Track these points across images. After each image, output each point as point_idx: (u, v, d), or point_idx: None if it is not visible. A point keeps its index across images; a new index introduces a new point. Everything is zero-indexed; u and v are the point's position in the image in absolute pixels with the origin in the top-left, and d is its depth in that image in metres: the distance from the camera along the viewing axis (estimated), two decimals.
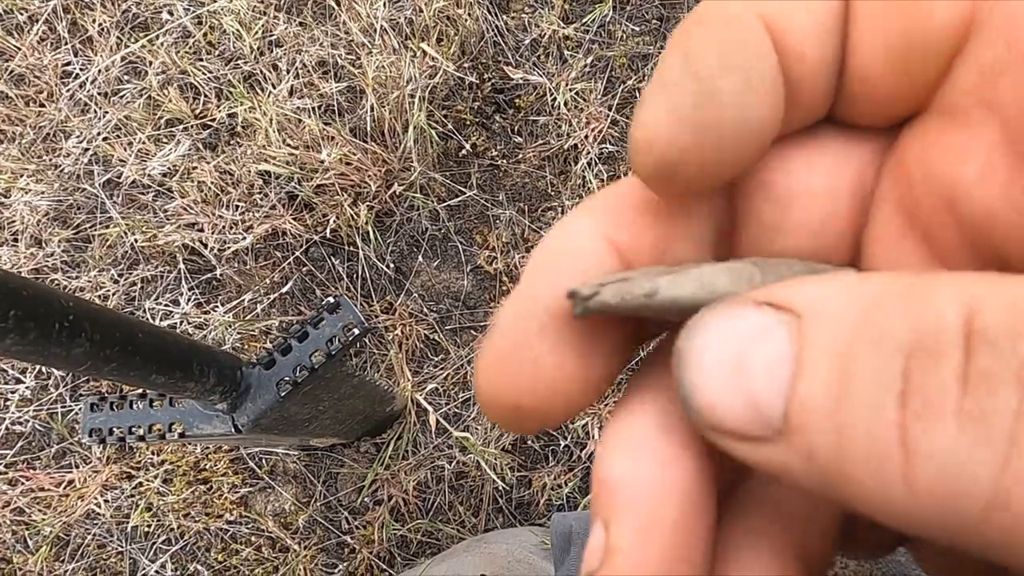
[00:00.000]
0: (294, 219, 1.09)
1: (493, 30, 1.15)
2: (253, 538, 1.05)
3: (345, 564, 1.03)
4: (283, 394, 0.68)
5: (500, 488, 1.01)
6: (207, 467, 1.07)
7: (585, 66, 1.13)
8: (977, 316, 0.08)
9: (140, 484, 1.07)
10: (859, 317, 0.09)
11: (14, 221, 1.15)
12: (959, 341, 0.08)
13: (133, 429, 0.70)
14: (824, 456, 0.09)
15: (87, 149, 1.16)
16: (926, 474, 0.08)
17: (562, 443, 1.02)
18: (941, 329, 0.08)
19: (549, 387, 0.12)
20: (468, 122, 1.14)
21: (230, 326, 1.08)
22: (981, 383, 0.08)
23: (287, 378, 0.68)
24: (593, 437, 0.99)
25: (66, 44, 1.22)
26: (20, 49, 1.21)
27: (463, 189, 1.12)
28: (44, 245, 1.15)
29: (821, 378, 0.09)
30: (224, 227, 1.10)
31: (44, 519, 1.06)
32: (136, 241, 1.12)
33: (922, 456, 0.08)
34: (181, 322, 1.09)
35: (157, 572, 1.05)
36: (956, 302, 0.09)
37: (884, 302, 0.09)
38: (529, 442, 1.03)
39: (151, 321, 1.09)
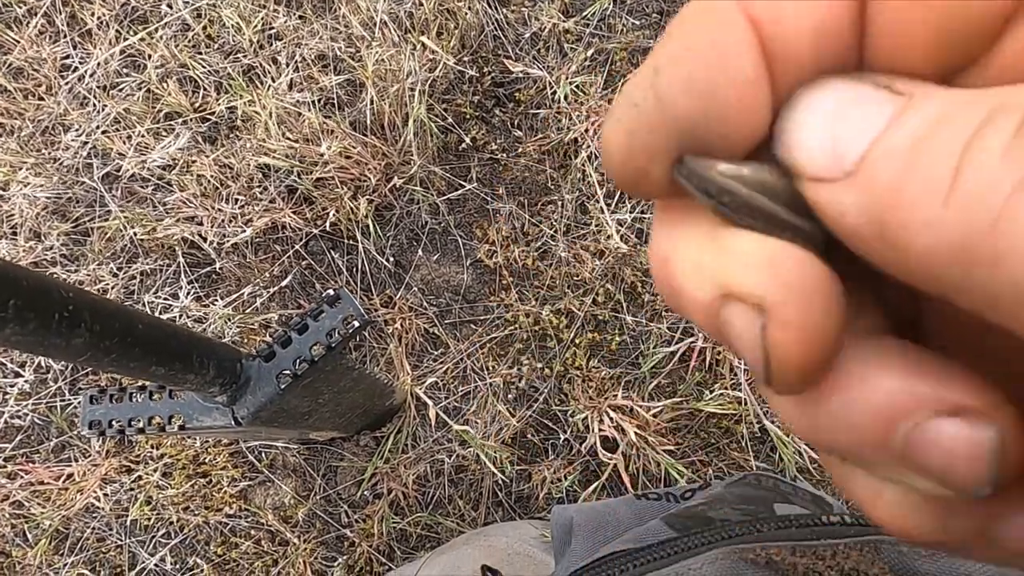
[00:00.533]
0: (294, 212, 1.09)
1: (493, 23, 1.15)
2: (253, 531, 1.05)
3: (345, 557, 1.03)
4: (283, 387, 0.68)
5: (500, 481, 1.02)
6: (206, 461, 1.07)
7: (585, 59, 1.13)
8: None
9: (139, 478, 1.07)
10: (965, 97, 0.11)
11: (13, 214, 1.15)
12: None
13: (132, 421, 0.70)
14: (883, 186, 0.11)
15: (86, 142, 1.16)
16: (963, 190, 0.10)
17: (562, 437, 1.02)
18: (1018, 100, 0.10)
19: (653, 166, 0.13)
20: (468, 116, 1.14)
21: (229, 319, 1.08)
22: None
23: (287, 371, 0.68)
24: (592, 431, 0.99)
25: (65, 37, 1.21)
26: (19, 42, 1.20)
27: (463, 183, 1.12)
28: (43, 238, 1.14)
29: (910, 128, 0.11)
30: (223, 220, 1.10)
31: (43, 512, 1.06)
32: (135, 234, 1.12)
33: (966, 178, 0.10)
34: (180, 316, 1.09)
35: (156, 565, 1.05)
36: None
37: (990, 91, 0.11)
38: (529, 436, 1.03)
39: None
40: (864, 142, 0.11)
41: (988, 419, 0.11)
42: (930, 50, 0.12)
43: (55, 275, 1.12)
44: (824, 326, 0.12)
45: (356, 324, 0.70)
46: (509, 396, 1.04)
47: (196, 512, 1.06)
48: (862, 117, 0.11)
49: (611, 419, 0.98)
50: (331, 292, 0.71)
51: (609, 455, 0.98)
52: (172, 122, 1.16)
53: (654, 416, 0.98)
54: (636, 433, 0.96)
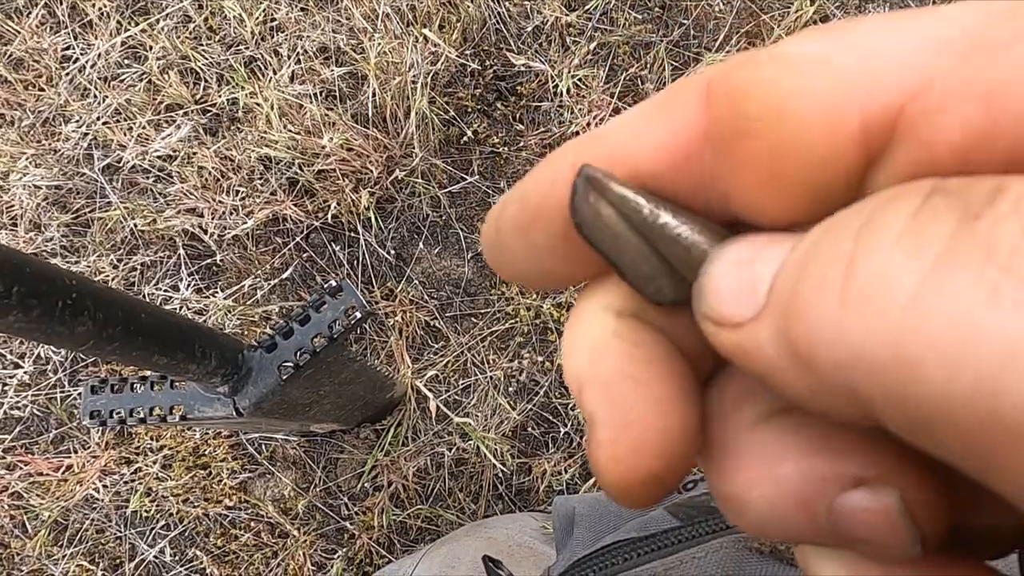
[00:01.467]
0: (295, 205, 1.09)
1: (495, 16, 1.15)
2: (252, 523, 1.05)
3: (344, 550, 1.03)
4: (284, 377, 0.68)
5: (500, 474, 1.02)
6: (206, 452, 1.07)
7: (587, 53, 1.13)
8: (943, 183, 0.09)
9: (139, 469, 1.07)
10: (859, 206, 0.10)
11: (13, 205, 1.14)
12: (924, 191, 0.09)
13: (134, 412, 0.70)
14: (783, 298, 0.10)
15: (87, 133, 1.16)
16: (858, 285, 0.09)
17: (562, 430, 1.02)
18: (912, 188, 0.09)
19: (520, 269, 0.14)
20: (470, 109, 1.14)
21: (230, 311, 1.08)
22: (927, 213, 0.09)
23: (289, 362, 0.68)
24: None
25: (66, 28, 1.21)
26: (19, 33, 1.20)
27: (464, 176, 1.11)
28: (43, 229, 1.14)
29: (806, 239, 0.10)
30: (224, 212, 1.10)
31: (42, 504, 1.06)
32: (136, 226, 1.12)
33: (859, 271, 0.09)
34: (181, 307, 1.09)
35: (156, 557, 1.05)
36: (930, 182, 0.09)
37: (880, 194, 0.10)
38: (529, 429, 1.03)
39: None
40: (771, 273, 0.10)
41: (886, 483, 0.11)
42: (795, 208, 0.11)
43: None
44: (645, 441, 0.11)
45: (358, 315, 0.70)
46: (510, 389, 1.04)
47: (196, 504, 1.06)
48: (771, 255, 0.11)
49: None
50: (333, 283, 0.71)
51: None
52: (173, 113, 1.16)
53: None
54: None
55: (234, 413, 0.68)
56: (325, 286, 0.71)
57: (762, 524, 0.12)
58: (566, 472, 1.00)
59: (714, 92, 0.11)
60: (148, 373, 0.71)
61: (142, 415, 0.69)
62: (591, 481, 0.99)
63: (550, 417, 1.03)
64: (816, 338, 0.09)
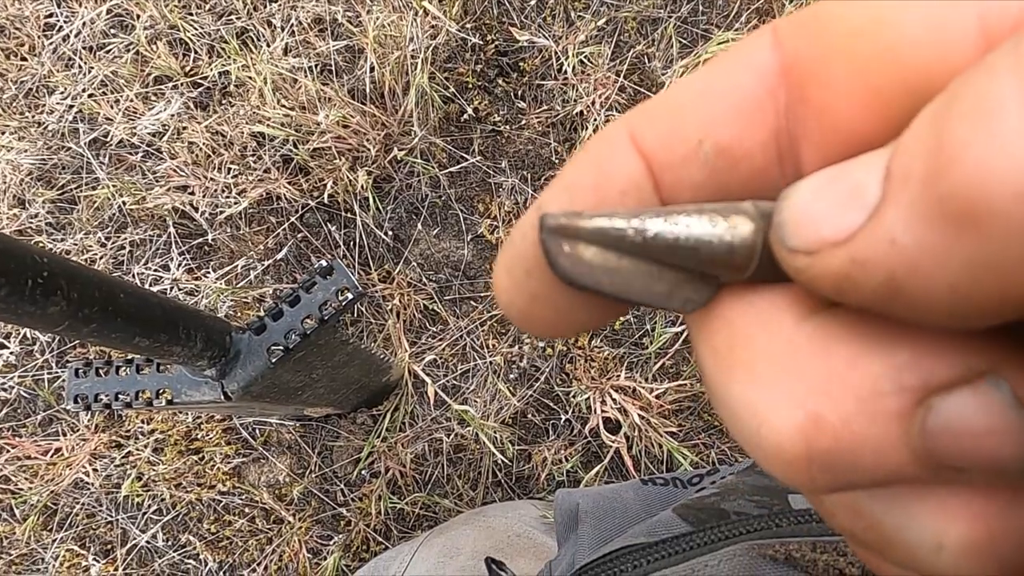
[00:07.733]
0: (289, 183, 1.05)
1: None
2: (247, 509, 1.03)
3: (341, 536, 1.01)
4: (274, 360, 0.65)
5: (499, 462, 0.99)
6: (199, 437, 1.04)
7: (594, 28, 1.08)
8: None
9: (129, 453, 1.04)
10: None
11: None
12: None
13: (119, 395, 0.67)
14: (921, 159, 0.08)
15: (72, 106, 1.12)
16: None
17: (563, 417, 0.99)
18: None
19: (540, 311, 0.12)
20: (470, 85, 1.09)
21: (222, 293, 1.04)
22: None
23: (278, 344, 0.65)
24: (595, 412, 0.96)
25: None
26: None
27: (465, 155, 1.08)
28: (27, 206, 1.10)
29: (922, 129, 0.08)
30: (216, 190, 1.06)
31: (31, 488, 1.03)
32: (124, 203, 1.08)
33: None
34: (171, 288, 1.06)
35: (148, 542, 1.03)
36: None
37: None
38: (529, 416, 1.01)
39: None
40: (878, 172, 0.09)
41: (993, 376, 0.09)
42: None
43: (40, 244, 1.08)
44: None
45: (350, 296, 0.67)
46: (510, 375, 1.01)
47: (188, 489, 1.03)
48: (866, 161, 0.09)
49: (614, 400, 0.96)
50: (324, 263, 0.68)
51: (612, 437, 0.95)
52: (162, 86, 1.12)
53: (657, 398, 0.96)
54: (639, 415, 0.94)
55: (222, 397, 0.65)
56: (316, 266, 0.68)
57: (830, 462, 0.09)
58: (567, 460, 0.98)
59: (797, 25, 0.10)
60: (134, 356, 0.68)
61: (128, 399, 0.66)
62: (593, 471, 0.97)
63: (551, 404, 1.01)
64: (988, 173, 0.07)
